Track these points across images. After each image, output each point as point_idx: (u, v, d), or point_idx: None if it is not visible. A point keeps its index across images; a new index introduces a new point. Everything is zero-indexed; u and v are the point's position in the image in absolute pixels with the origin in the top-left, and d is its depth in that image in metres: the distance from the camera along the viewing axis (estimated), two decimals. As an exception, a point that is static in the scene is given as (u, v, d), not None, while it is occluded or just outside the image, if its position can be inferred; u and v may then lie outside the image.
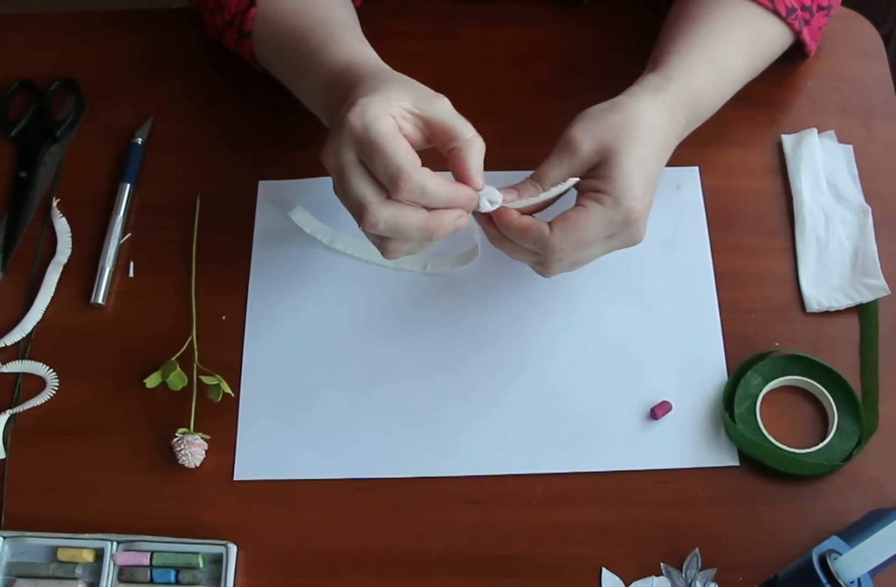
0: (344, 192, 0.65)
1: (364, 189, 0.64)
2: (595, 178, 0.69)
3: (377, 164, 0.63)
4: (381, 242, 0.67)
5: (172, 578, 0.73)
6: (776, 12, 0.78)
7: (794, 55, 0.85)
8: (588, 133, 0.69)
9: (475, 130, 0.66)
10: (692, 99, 0.75)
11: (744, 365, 0.77)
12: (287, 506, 0.75)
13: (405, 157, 0.63)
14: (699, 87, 0.76)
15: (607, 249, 0.71)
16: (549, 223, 0.68)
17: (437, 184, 0.63)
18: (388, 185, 0.63)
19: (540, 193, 0.69)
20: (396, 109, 0.65)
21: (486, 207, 0.67)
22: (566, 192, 0.70)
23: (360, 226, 0.65)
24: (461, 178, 0.65)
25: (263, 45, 0.81)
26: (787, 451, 0.74)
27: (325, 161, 0.66)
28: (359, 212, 0.64)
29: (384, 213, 0.63)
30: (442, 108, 0.66)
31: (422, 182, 0.63)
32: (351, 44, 0.75)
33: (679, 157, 0.75)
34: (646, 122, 0.70)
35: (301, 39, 0.76)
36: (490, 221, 0.70)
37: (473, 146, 0.65)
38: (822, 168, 0.83)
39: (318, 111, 0.76)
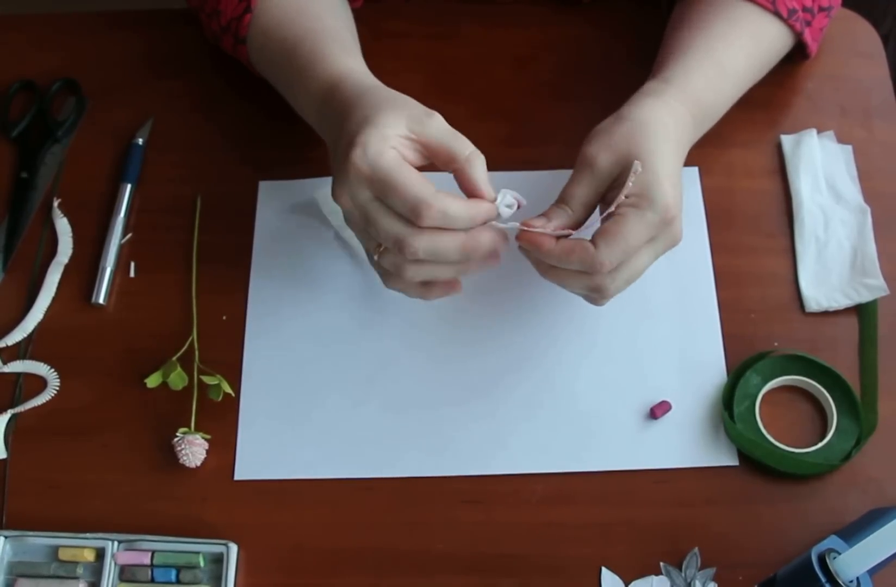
0: (375, 229, 0.66)
1: (393, 224, 0.65)
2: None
3: (395, 200, 0.64)
4: (406, 267, 0.67)
5: (173, 577, 0.73)
6: (777, 14, 0.79)
7: (795, 56, 0.85)
8: (602, 146, 0.69)
9: (472, 146, 0.66)
10: (695, 99, 0.75)
11: (743, 365, 0.77)
12: (287, 506, 0.75)
13: (419, 186, 0.64)
14: (700, 87, 0.76)
15: (654, 255, 0.69)
16: (591, 240, 0.67)
17: (456, 205, 0.64)
18: (412, 217, 0.64)
19: (570, 215, 0.68)
20: (395, 140, 0.65)
21: (506, 213, 0.67)
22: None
23: (398, 255, 0.66)
24: (471, 193, 0.66)
25: (258, 52, 0.82)
26: (787, 451, 0.74)
27: (339, 202, 0.67)
28: (398, 245, 0.65)
29: (422, 242, 0.64)
30: (436, 128, 0.66)
31: (442, 207, 0.63)
32: (337, 58, 0.75)
33: (679, 158, 0.76)
34: (653, 124, 0.70)
35: (292, 51, 0.77)
36: (528, 254, 0.69)
37: (475, 162, 0.66)
38: (821, 168, 0.83)
39: (313, 124, 0.76)
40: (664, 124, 0.71)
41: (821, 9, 0.82)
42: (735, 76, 0.79)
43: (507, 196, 0.67)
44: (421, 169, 0.66)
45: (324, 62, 0.74)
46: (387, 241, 0.66)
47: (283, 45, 0.78)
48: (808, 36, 0.82)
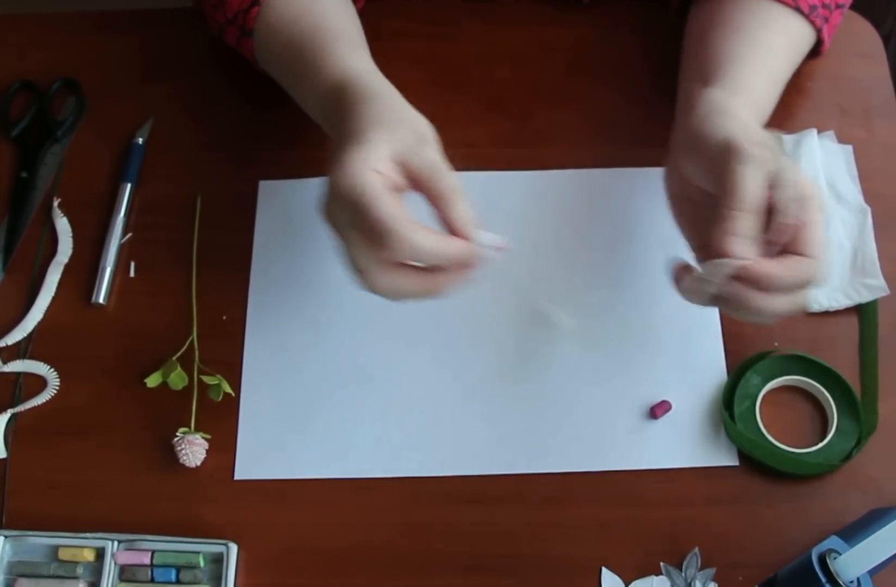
0: (344, 256, 0.65)
1: (361, 258, 0.64)
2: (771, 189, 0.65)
3: (365, 226, 0.62)
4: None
5: (173, 577, 0.73)
6: (799, 9, 0.78)
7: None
8: (755, 173, 0.64)
9: (457, 181, 0.64)
10: (756, 113, 0.73)
11: (743, 365, 0.77)
12: (287, 506, 0.75)
13: (391, 216, 0.62)
14: (762, 101, 0.75)
15: None
16: (794, 253, 0.64)
17: (427, 239, 0.62)
18: (379, 247, 0.62)
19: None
20: (378, 163, 0.64)
21: (489, 253, 0.65)
22: None
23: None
24: (451, 231, 0.64)
25: (263, 47, 0.81)
26: (787, 451, 0.74)
27: (325, 220, 0.66)
28: (359, 278, 0.65)
29: (383, 281, 0.64)
30: (424, 159, 0.65)
31: (411, 240, 0.62)
32: (344, 57, 0.74)
33: (679, 158, 0.76)
34: (740, 123, 0.68)
35: (298, 48, 0.76)
36: (744, 290, 0.64)
37: (456, 199, 0.64)
38: (821, 168, 0.83)
39: (320, 122, 0.76)
40: (746, 122, 0.69)
41: (837, 6, 0.81)
42: (782, 83, 0.79)
43: (484, 238, 0.64)
44: None
45: (329, 61, 0.74)
46: (352, 271, 0.65)
47: (291, 39, 0.78)
48: (825, 33, 0.81)
